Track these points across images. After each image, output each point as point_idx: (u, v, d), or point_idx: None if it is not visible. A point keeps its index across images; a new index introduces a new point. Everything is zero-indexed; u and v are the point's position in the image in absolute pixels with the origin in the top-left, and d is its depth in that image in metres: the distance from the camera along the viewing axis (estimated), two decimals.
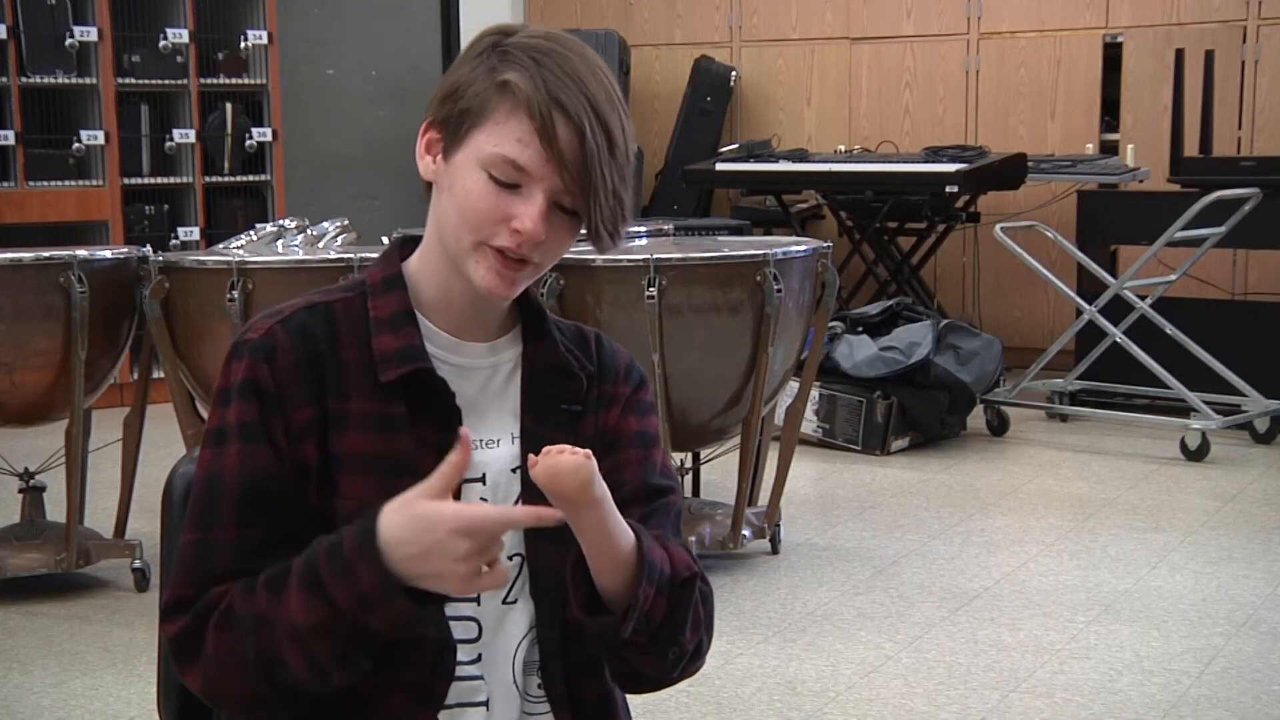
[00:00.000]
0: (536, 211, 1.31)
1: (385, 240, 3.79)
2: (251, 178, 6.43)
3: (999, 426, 5.38)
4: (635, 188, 7.44)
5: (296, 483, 1.32)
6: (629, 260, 3.51)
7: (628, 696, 1.47)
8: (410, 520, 1.21)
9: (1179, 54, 5.68)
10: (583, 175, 1.30)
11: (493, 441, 1.39)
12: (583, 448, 1.40)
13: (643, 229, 4.46)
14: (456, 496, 1.33)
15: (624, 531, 1.29)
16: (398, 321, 1.37)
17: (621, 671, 1.38)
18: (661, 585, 1.30)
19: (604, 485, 1.26)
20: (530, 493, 1.38)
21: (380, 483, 1.32)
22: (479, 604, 1.37)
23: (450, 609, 1.34)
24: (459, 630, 1.36)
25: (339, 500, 1.33)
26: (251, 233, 4.27)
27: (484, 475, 1.38)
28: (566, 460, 1.23)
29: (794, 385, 4.07)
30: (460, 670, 1.36)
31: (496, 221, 1.32)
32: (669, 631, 1.33)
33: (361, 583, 1.22)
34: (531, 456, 1.24)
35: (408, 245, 1.43)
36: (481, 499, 1.37)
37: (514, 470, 1.39)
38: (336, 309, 1.39)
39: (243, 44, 6.33)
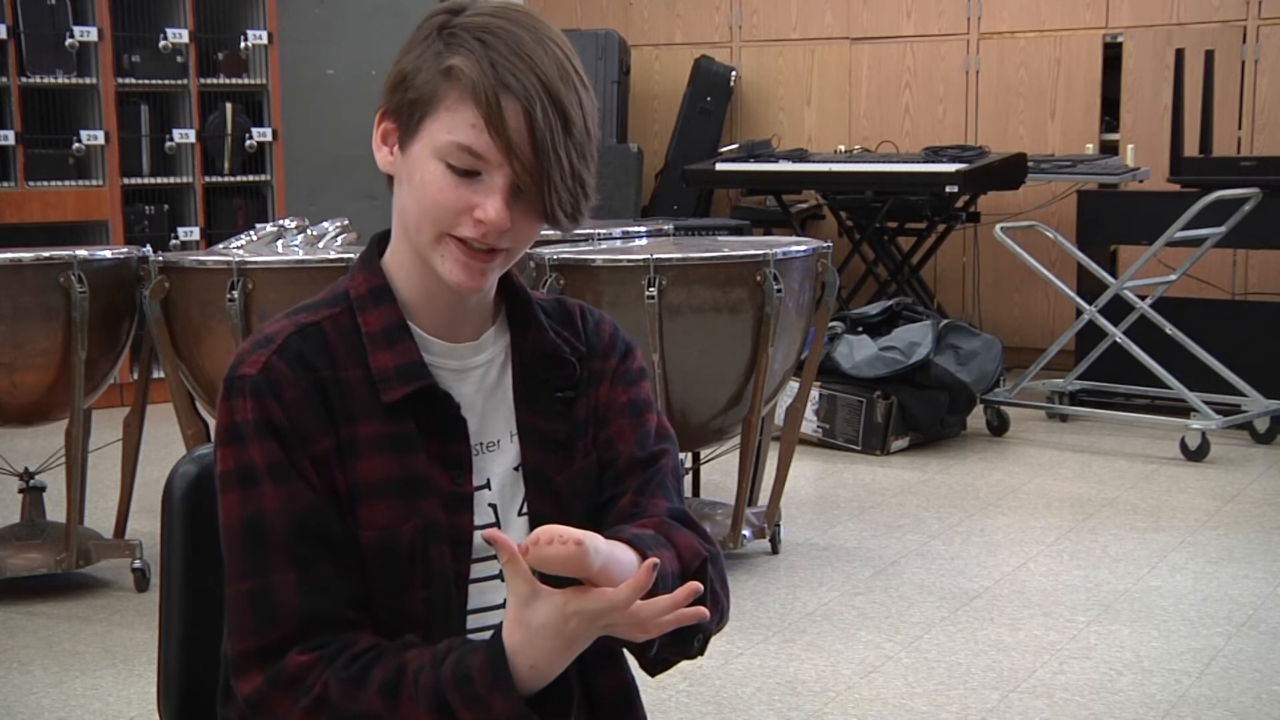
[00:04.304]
0: (499, 200, 1.26)
1: None
2: (251, 178, 6.43)
3: (999, 426, 5.38)
4: (636, 181, 7.35)
5: (337, 514, 1.29)
6: (629, 260, 3.51)
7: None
8: (536, 633, 1.19)
9: (1179, 54, 5.68)
10: (533, 160, 1.24)
11: (493, 444, 1.37)
12: (579, 433, 1.39)
13: (643, 229, 4.46)
14: (470, 508, 1.34)
15: (627, 562, 1.21)
16: (392, 336, 1.33)
17: (650, 660, 1.34)
18: (674, 589, 1.25)
19: (599, 550, 1.17)
20: (534, 491, 1.38)
21: (399, 507, 1.30)
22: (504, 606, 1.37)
23: (483, 619, 1.34)
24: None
25: (361, 531, 1.30)
26: (251, 233, 4.26)
27: (489, 481, 1.36)
28: (556, 553, 1.14)
29: (794, 385, 4.07)
30: None
31: (459, 212, 1.27)
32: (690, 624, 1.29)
33: (495, 714, 1.20)
34: (520, 545, 1.16)
35: (385, 242, 1.39)
36: (490, 505, 1.36)
37: (516, 469, 1.38)
38: (326, 328, 1.33)
39: (243, 44, 6.33)
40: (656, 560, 1.17)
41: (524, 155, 1.24)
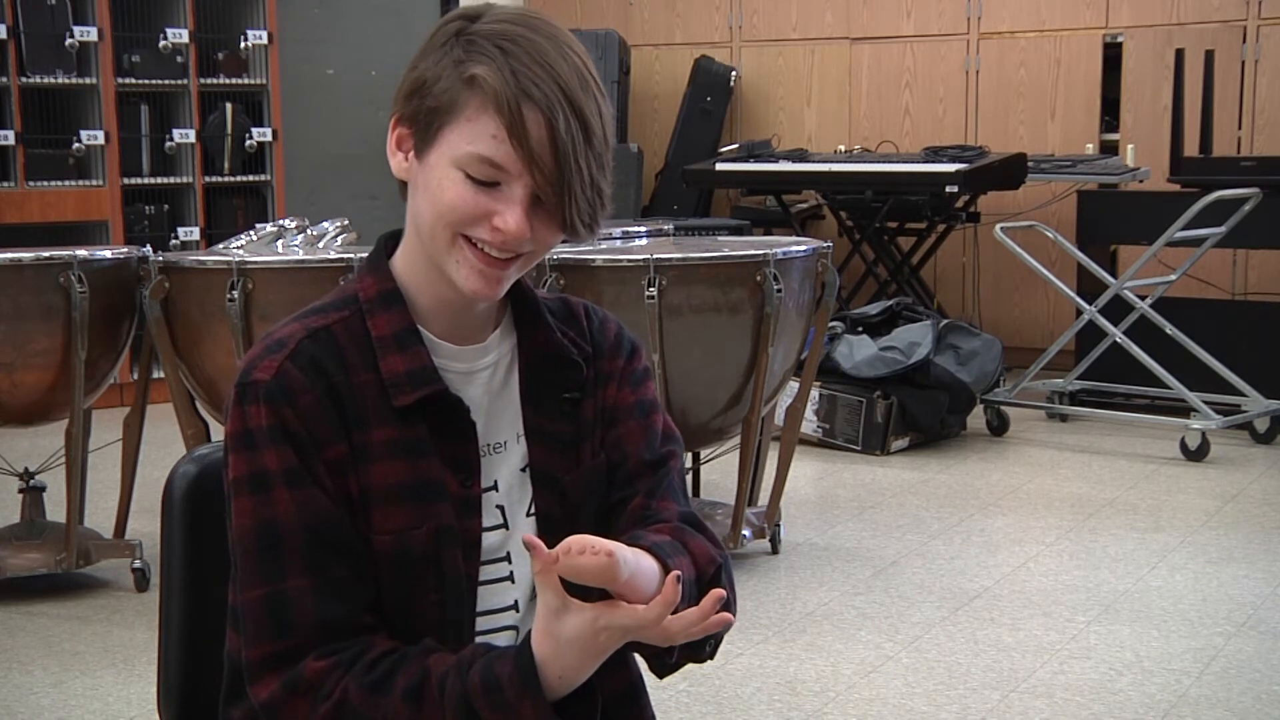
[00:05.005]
0: (519, 210, 1.25)
1: None
2: (251, 178, 6.44)
3: (999, 426, 5.38)
4: (636, 181, 7.35)
5: (350, 519, 1.29)
6: (629, 260, 3.51)
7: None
8: (565, 645, 1.19)
9: (1179, 54, 5.68)
10: (556, 171, 1.23)
11: (500, 446, 1.37)
12: (586, 433, 1.38)
13: (643, 229, 4.46)
14: (479, 511, 1.34)
15: (649, 571, 1.21)
16: (403, 341, 1.32)
17: (662, 665, 1.35)
18: (693, 596, 1.26)
19: (627, 560, 1.17)
20: (542, 492, 1.38)
21: (412, 511, 1.30)
22: (518, 610, 1.37)
23: (492, 621, 1.35)
24: (502, 641, 1.34)
25: (374, 536, 1.29)
26: (251, 233, 4.26)
27: (496, 483, 1.36)
28: (587, 564, 1.14)
29: (794, 385, 4.07)
30: None
31: (476, 218, 1.26)
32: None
33: None
34: (550, 552, 1.15)
35: (392, 245, 1.38)
36: (497, 507, 1.36)
37: (522, 470, 1.38)
38: (337, 331, 1.32)
39: (243, 44, 6.33)
40: (679, 573, 1.18)
41: (545, 165, 1.24)
